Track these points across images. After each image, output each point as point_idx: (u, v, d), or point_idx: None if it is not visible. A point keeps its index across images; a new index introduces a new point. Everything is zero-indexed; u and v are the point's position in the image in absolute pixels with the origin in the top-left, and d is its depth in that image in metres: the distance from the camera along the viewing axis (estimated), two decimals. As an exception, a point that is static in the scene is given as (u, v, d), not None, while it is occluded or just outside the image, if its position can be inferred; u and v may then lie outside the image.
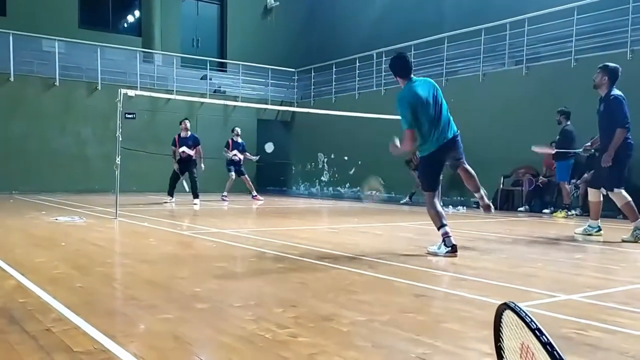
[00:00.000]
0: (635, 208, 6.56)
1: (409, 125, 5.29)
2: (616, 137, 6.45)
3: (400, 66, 5.42)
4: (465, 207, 11.90)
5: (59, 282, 3.76)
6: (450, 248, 5.11)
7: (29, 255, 4.90)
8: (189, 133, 12.19)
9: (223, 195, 13.47)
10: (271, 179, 19.20)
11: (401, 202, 13.72)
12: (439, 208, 5.46)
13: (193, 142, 12.15)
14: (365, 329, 2.70)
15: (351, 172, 16.79)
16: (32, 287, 3.52)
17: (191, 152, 12.04)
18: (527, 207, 11.36)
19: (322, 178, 18.21)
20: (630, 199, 6.57)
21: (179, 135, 12.15)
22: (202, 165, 12.35)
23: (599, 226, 7.03)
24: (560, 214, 10.14)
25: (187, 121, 12.31)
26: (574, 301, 3.39)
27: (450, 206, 11.91)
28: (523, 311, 1.42)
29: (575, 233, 7.20)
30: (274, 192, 18.34)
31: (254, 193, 14.00)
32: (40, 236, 6.36)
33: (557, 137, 10.12)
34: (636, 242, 6.37)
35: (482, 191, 5.70)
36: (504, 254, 5.43)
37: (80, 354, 2.28)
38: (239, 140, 13.33)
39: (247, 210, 11.47)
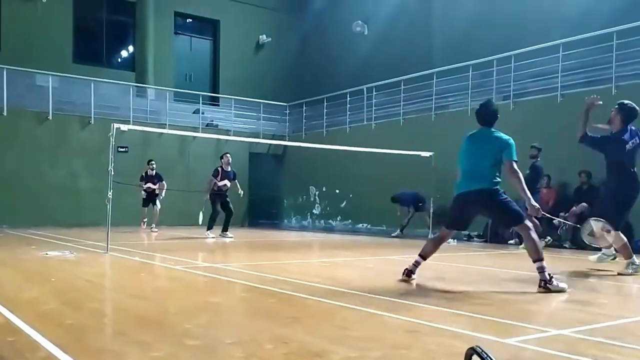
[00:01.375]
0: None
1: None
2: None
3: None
4: (456, 240, 11.93)
5: (49, 318, 3.73)
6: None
7: (18, 291, 4.86)
8: (230, 167, 12.40)
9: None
10: (263, 212, 19.19)
11: (392, 235, 13.73)
12: (437, 245, 5.92)
13: (233, 177, 12.49)
14: (356, 366, 2.69)
15: (342, 205, 16.83)
16: (21, 325, 3.48)
17: (229, 185, 12.35)
18: (516, 240, 11.39)
19: (314, 211, 18.23)
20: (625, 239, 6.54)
21: (222, 168, 12.25)
22: (241, 191, 12.65)
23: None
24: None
25: (228, 155, 12.48)
26: (565, 336, 3.40)
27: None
28: (489, 357, 1.44)
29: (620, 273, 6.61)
30: (265, 225, 18.30)
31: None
32: (30, 271, 6.31)
33: (527, 171, 10.29)
34: (636, 274, 6.30)
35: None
36: (495, 288, 5.44)
37: (69, 393, 2.26)
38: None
39: (239, 244, 11.43)
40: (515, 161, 5.43)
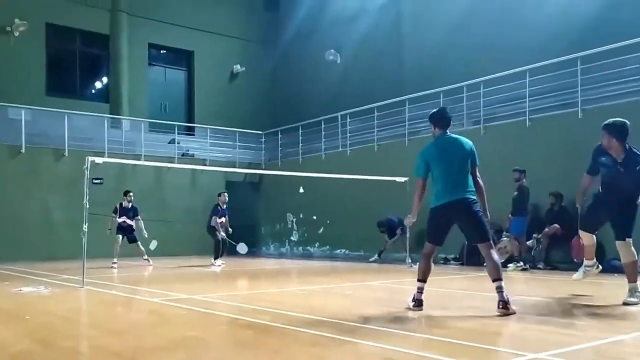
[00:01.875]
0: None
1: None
2: None
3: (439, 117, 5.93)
4: (433, 264, 12.01)
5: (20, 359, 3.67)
6: (415, 302, 5.55)
7: (-10, 331, 4.76)
8: (225, 205, 13.20)
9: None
10: (241, 239, 19.01)
11: (370, 260, 13.77)
12: (429, 262, 5.81)
13: (228, 213, 13.39)
14: (335, 397, 2.72)
15: (320, 231, 16.84)
16: (-5, 366, 3.43)
17: (224, 222, 13.23)
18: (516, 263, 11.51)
19: (292, 238, 18.19)
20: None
21: (219, 206, 13.06)
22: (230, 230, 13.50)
23: None
24: (514, 267, 10.39)
25: (226, 194, 13.42)
26: (541, 359, 3.46)
27: (418, 263, 12.00)
28: None
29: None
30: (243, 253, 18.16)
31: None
32: (3, 309, 6.19)
33: (515, 193, 10.56)
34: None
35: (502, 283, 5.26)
36: (471, 312, 5.51)
37: None
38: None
39: (217, 273, 11.35)
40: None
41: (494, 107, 12.87)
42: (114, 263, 12.86)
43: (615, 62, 10.76)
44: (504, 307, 5.11)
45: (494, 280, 5.27)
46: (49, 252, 14.69)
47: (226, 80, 21.52)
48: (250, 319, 5.15)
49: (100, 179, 15.19)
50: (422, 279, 5.68)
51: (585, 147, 10.48)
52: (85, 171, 8.47)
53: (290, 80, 21.06)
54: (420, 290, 5.61)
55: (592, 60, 11.03)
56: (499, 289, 5.20)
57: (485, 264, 11.44)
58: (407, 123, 14.37)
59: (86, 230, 8.33)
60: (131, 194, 13.45)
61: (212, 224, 13.00)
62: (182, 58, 21.46)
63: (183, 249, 16.09)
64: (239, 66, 21.49)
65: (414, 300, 5.58)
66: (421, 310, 5.47)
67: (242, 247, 13.52)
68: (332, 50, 18.97)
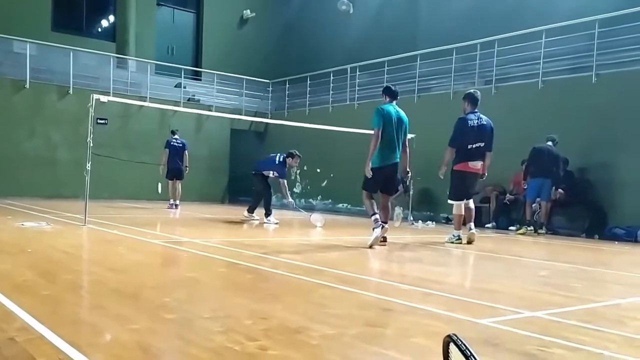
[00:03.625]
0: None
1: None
2: None
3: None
4: (434, 222, 12.06)
5: (24, 289, 3.69)
6: (380, 226, 6.71)
7: (-7, 262, 4.79)
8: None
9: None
10: (243, 189, 19.12)
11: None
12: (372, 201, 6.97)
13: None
14: (334, 343, 2.72)
15: (323, 184, 16.84)
16: (-4, 295, 3.45)
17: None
18: (494, 223, 11.57)
19: (295, 189, 18.20)
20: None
21: (288, 167, 11.10)
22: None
23: None
24: (520, 230, 10.42)
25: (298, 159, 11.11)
26: (538, 318, 3.47)
27: (420, 221, 12.06)
28: (464, 345, 1.46)
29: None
30: (246, 202, 18.20)
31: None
32: (5, 242, 6.22)
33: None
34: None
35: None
36: (470, 270, 5.53)
37: (45, 364, 2.25)
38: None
39: (219, 220, 11.40)
40: None
41: (507, 67, 12.62)
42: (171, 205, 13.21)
43: (633, 27, 10.48)
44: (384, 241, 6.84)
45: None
46: (53, 190, 14.77)
47: (235, 26, 21.12)
48: (250, 264, 5.17)
49: (105, 119, 15.10)
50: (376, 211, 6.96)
51: (598, 113, 10.42)
52: (90, 109, 8.39)
53: (300, 29, 20.65)
54: (378, 220, 6.82)
55: (610, 24, 10.74)
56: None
57: (486, 225, 11.49)
58: (417, 79, 14.14)
59: (89, 169, 8.32)
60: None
61: (274, 177, 10.88)
62: None
63: (186, 195, 16.11)
64: (248, 11, 21.04)
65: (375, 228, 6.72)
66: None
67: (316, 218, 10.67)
68: (345, 0, 18.50)
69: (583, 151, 10.54)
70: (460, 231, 7.76)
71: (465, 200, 7.81)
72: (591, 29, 10.78)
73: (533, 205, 10.55)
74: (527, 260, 6.76)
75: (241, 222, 10.65)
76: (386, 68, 14.95)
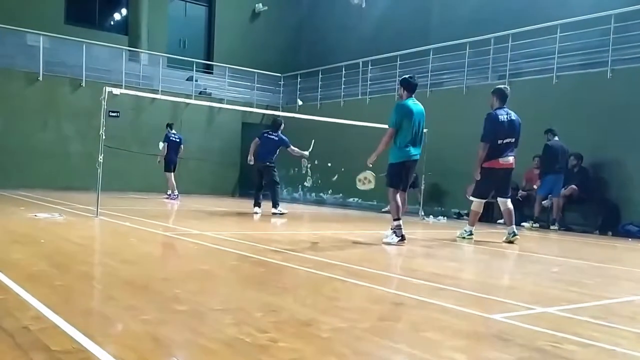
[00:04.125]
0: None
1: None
2: None
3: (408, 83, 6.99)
4: (445, 217, 12.01)
5: (38, 279, 3.73)
6: (400, 237, 6.50)
7: (7, 252, 4.84)
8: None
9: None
10: (253, 183, 19.14)
11: (382, 210, 13.78)
12: (399, 202, 6.70)
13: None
14: (345, 336, 2.72)
15: (334, 178, 16.82)
16: (10, 284, 3.47)
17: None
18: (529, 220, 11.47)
19: (305, 183, 18.19)
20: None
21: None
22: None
23: None
24: (527, 224, 10.39)
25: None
26: (550, 314, 3.45)
27: (431, 216, 12.01)
28: None
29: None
30: (256, 196, 18.25)
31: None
32: (18, 232, 6.28)
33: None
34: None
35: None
36: (482, 265, 5.50)
37: (58, 353, 2.26)
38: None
39: (230, 213, 11.43)
40: None
41: (521, 61, 12.51)
42: (170, 195, 13.60)
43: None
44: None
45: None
46: (65, 182, 14.88)
47: (247, 19, 21.10)
48: (261, 257, 5.18)
49: (117, 112, 15.19)
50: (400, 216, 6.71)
51: (612, 109, 10.30)
52: (102, 102, 8.43)
53: (312, 23, 20.59)
54: (400, 227, 6.62)
55: (625, 19, 10.61)
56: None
57: (498, 221, 11.46)
58: (429, 74, 14.06)
59: (101, 161, 8.37)
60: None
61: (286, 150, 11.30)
62: (204, -7, 21.06)
63: (197, 187, 16.22)
64: (260, 5, 21.01)
65: (398, 236, 6.54)
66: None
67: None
68: (358, -6, 18.41)
69: (597, 147, 10.43)
70: (473, 227, 7.70)
71: (501, 199, 7.59)
72: (606, 23, 10.65)
73: (544, 202, 10.48)
74: (539, 256, 6.71)
75: (252, 215, 10.67)
76: (398, 62, 14.88)
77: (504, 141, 7.41)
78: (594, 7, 11.22)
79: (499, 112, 7.49)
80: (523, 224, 11.07)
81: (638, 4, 10.33)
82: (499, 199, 7.63)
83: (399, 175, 6.71)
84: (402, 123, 6.65)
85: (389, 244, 6.46)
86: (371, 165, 6.97)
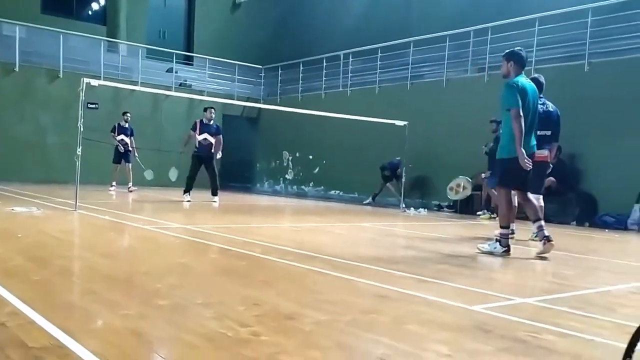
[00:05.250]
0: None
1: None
2: None
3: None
4: (426, 210, 12.09)
5: (15, 274, 3.66)
6: (505, 248, 5.55)
7: (-18, 247, 4.75)
8: (212, 122, 11.27)
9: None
10: (235, 175, 19.08)
11: (364, 202, 13.82)
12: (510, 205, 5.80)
13: (216, 131, 11.23)
14: (327, 329, 2.72)
15: (315, 171, 16.84)
16: (-14, 280, 3.41)
17: (212, 140, 11.10)
18: (485, 211, 11.60)
19: (287, 176, 18.20)
20: None
21: (201, 121, 11.14)
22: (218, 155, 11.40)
23: None
24: (485, 216, 10.53)
25: (213, 110, 11.23)
26: (530, 305, 3.49)
27: (412, 208, 12.08)
28: None
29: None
30: (237, 188, 18.22)
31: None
32: (-6, 227, 6.17)
33: (491, 144, 10.34)
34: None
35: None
36: (463, 257, 5.54)
37: (35, 349, 2.23)
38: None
39: (211, 206, 11.36)
40: None
41: (500, 54, 12.54)
42: (112, 186, 13.06)
43: (626, 16, 10.50)
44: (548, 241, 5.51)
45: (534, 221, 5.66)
46: (43, 175, 14.66)
47: (228, 10, 20.93)
48: (243, 250, 5.16)
49: (95, 104, 14.98)
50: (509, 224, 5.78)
51: (590, 101, 10.43)
52: (80, 93, 8.30)
53: (294, 15, 20.49)
54: (507, 236, 5.68)
55: (603, 12, 10.74)
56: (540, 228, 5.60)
57: (477, 213, 11.52)
58: (410, 66, 14.10)
59: (80, 154, 8.25)
60: (128, 114, 13.57)
61: (184, 137, 11.43)
62: (184, -17, 20.81)
63: (179, 180, 16.03)
64: (241, -4, 20.86)
65: (503, 246, 5.59)
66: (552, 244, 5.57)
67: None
68: (339, -14, 18.36)
69: (574, 139, 10.56)
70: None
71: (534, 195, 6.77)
72: (584, 17, 10.77)
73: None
74: (516, 247, 6.78)
75: (233, 208, 10.62)
76: (379, 55, 14.89)
77: (539, 133, 6.84)
78: (572, 1, 11.34)
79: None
80: (479, 213, 11.17)
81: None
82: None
83: (512, 172, 5.54)
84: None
85: (490, 253, 5.53)
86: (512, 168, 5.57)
